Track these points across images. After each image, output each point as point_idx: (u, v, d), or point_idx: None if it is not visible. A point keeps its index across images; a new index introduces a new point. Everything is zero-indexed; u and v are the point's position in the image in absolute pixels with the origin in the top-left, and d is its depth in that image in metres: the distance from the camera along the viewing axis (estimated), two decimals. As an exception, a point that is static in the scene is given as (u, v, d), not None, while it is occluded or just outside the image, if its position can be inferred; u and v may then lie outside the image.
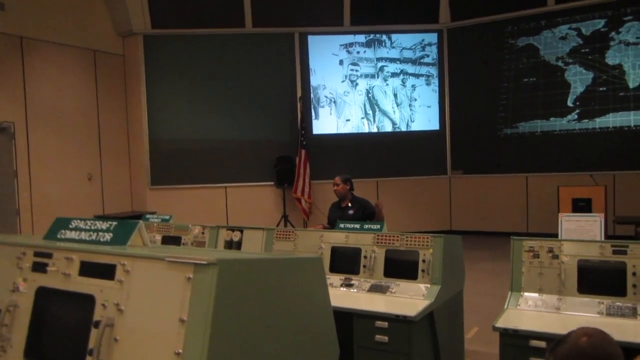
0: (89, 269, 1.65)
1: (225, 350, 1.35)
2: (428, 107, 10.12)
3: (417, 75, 10.08)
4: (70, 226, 1.96)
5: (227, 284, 1.37)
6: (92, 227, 1.90)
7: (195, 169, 9.52)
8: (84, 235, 1.90)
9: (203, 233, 4.20)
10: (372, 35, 9.95)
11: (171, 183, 9.48)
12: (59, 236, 1.95)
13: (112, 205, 9.24)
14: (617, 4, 8.70)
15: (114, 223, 1.87)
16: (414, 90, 10.08)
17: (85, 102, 8.99)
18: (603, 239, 3.94)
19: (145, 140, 9.46)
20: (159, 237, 4.44)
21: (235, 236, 4.01)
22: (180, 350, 1.33)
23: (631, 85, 8.71)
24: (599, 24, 8.91)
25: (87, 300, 1.59)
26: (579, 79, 9.08)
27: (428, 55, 10.08)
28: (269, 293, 1.57)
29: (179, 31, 9.49)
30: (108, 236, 1.84)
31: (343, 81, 9.97)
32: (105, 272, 1.59)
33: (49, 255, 1.77)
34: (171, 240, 4.35)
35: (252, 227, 4.06)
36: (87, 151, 8.96)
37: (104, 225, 1.88)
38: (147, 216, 4.90)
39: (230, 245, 4.00)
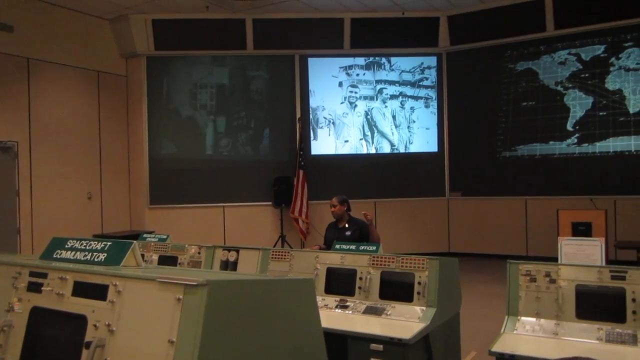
0: (82, 289, 1.65)
1: (214, 372, 1.35)
2: (427, 129, 10.18)
3: (416, 98, 10.16)
4: (67, 246, 1.96)
5: (217, 305, 1.37)
6: (87, 247, 1.91)
7: (194, 189, 9.56)
8: (79, 255, 1.90)
9: (199, 253, 4.19)
10: (371, 58, 10.06)
11: (170, 202, 9.49)
12: (54, 256, 1.96)
13: (111, 225, 9.25)
14: (616, 30, 8.80)
15: (109, 243, 1.88)
16: (413, 112, 10.15)
17: (88, 122, 9.07)
18: (604, 263, 3.92)
19: (145, 159, 9.51)
20: (155, 257, 4.43)
21: (232, 256, 4.01)
22: (169, 372, 1.33)
23: (631, 110, 8.77)
24: (599, 49, 9.00)
25: (79, 321, 1.59)
26: (578, 104, 9.14)
27: (427, 78, 10.18)
28: (259, 314, 1.56)
29: (181, 52, 9.61)
30: (102, 256, 1.84)
31: (342, 103, 10.04)
32: (98, 292, 1.59)
33: (44, 275, 1.78)
34: (168, 260, 4.34)
35: (248, 247, 4.05)
36: (87, 170, 9.00)
37: (98, 245, 1.89)
38: (145, 235, 4.90)
39: (226, 265, 3.99)
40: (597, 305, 3.00)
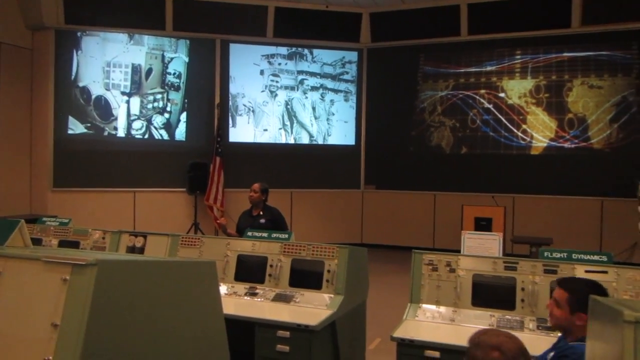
0: (-43, 271, 1.51)
1: (101, 357, 1.28)
2: (345, 122, 10.34)
3: (336, 91, 10.29)
4: (-57, 225, 1.79)
5: (107, 286, 1.31)
6: (-32, 226, 1.75)
7: (103, 172, 9.08)
8: (-43, 235, 1.74)
9: (104, 238, 4.01)
10: (294, 49, 10.04)
11: (76, 185, 8.96)
12: None
13: (8, 208, 8.55)
14: (531, 40, 9.29)
15: (-7, 222, 1.74)
16: (332, 105, 10.27)
17: (-16, 95, 8.35)
18: (501, 256, 4.17)
19: (49, 139, 8.90)
20: (55, 242, 4.19)
21: (138, 242, 3.86)
22: (50, 357, 1.24)
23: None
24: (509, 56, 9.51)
25: (-47, 305, 1.45)
26: (485, 106, 9.65)
27: (347, 73, 10.33)
28: (155, 297, 1.51)
29: (94, 28, 9.08)
30: (-16, 236, 1.70)
31: (263, 91, 9.96)
32: (-25, 273, 1.46)
33: None
34: (69, 245, 4.11)
35: (156, 232, 3.93)
36: (-19, 148, 8.29)
37: (-20, 224, 1.74)
38: (44, 219, 4.61)
39: (133, 251, 3.84)
40: (491, 294, 3.20)
